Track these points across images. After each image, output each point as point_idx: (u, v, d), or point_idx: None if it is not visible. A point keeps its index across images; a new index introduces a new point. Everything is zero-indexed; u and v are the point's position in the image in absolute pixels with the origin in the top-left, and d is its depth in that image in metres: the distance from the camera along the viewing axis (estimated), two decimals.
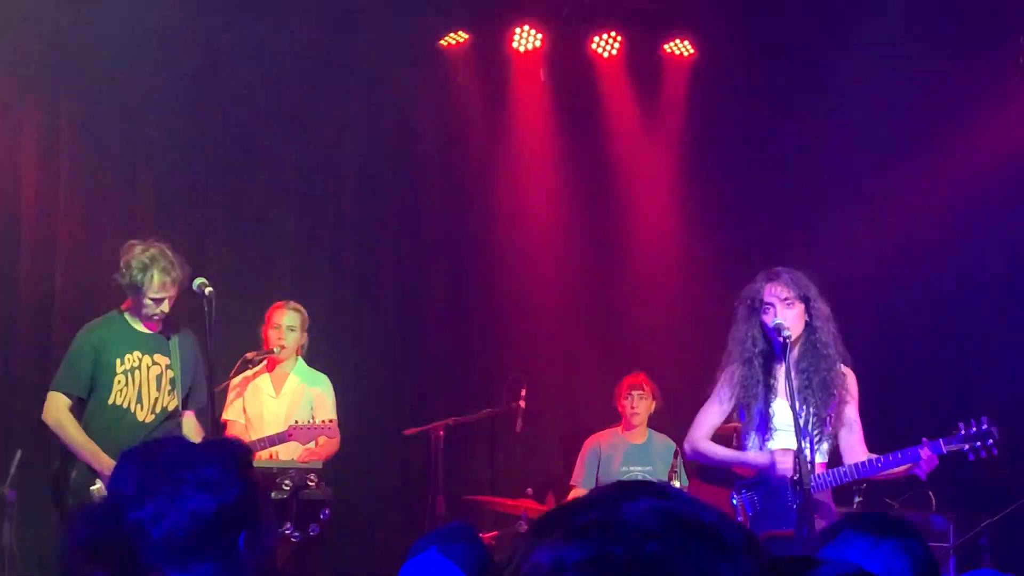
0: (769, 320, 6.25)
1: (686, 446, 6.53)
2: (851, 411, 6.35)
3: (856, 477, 6.20)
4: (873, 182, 9.76)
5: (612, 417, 9.07)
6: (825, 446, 6.28)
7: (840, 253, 9.43)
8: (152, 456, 2.64)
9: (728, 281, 6.71)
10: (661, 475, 8.48)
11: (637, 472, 8.78)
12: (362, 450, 8.90)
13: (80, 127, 9.09)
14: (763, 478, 6.29)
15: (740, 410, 6.38)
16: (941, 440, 6.06)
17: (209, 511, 2.57)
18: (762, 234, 9.61)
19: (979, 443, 6.03)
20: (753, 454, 6.31)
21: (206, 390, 7.24)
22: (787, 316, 6.21)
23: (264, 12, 9.38)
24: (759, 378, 6.28)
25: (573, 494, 8.90)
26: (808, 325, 6.25)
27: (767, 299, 6.27)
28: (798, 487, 5.88)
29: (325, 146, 9.86)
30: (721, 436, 6.65)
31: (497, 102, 10.12)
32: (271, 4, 9.41)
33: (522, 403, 8.83)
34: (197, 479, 2.57)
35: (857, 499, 7.75)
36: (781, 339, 6.12)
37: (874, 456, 6.18)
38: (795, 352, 6.21)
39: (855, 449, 6.30)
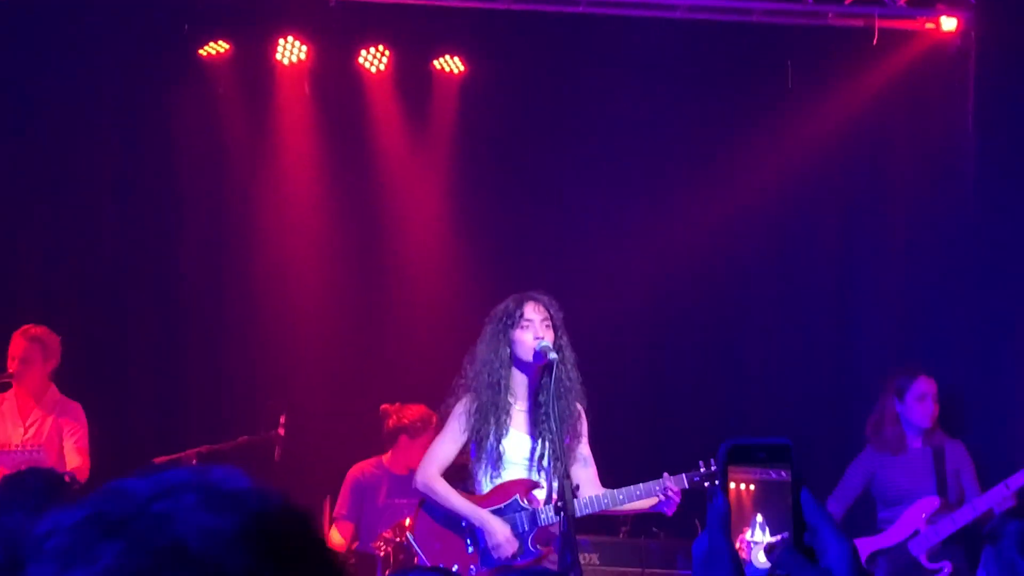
0: (526, 338, 6.12)
1: (418, 479, 6.36)
2: (585, 448, 6.31)
3: (596, 510, 6.16)
4: (643, 208, 9.71)
5: (376, 447, 8.80)
6: (555, 484, 6.15)
7: (609, 276, 9.40)
8: None
9: (494, 303, 6.50)
10: None
11: (403, 504, 8.56)
12: (112, 480, 8.47)
13: None
14: (498, 511, 6.21)
15: (472, 443, 6.25)
16: (684, 475, 6.10)
17: None
18: (531, 257, 9.50)
19: (718, 481, 5.94)
20: (482, 517, 6.18)
21: None
22: (548, 337, 6.13)
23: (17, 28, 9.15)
24: (497, 408, 6.15)
25: (338, 525, 8.70)
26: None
27: (528, 315, 6.16)
28: (561, 512, 5.81)
29: (78, 161, 9.56)
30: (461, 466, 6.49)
31: (261, 116, 9.86)
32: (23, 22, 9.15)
33: (281, 431, 8.56)
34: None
35: (624, 528, 7.71)
36: (546, 360, 6.03)
37: (615, 490, 6.17)
38: (541, 382, 6.13)
39: (592, 483, 6.26)
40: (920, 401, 7.77)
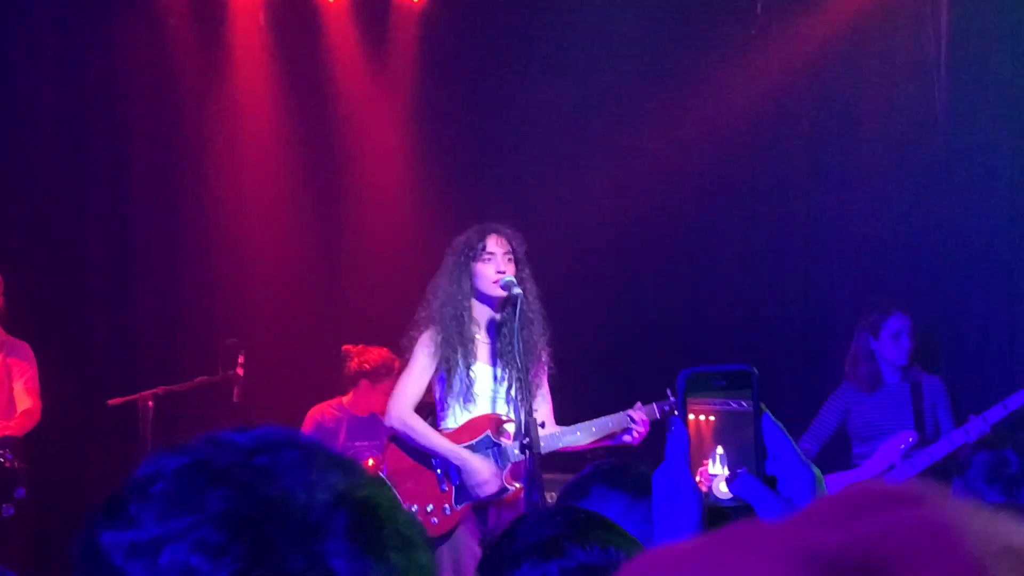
0: (488, 271, 6.09)
1: (393, 416, 6.21)
2: (544, 382, 6.28)
3: (567, 445, 6.19)
4: (608, 137, 9.50)
5: (336, 387, 8.70)
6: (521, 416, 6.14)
7: (573, 207, 9.20)
8: None
9: (456, 236, 6.38)
10: None
11: (363, 447, 8.40)
12: (64, 422, 8.43)
13: None
14: (470, 447, 6.16)
15: (440, 375, 6.18)
16: (655, 404, 6.14)
17: None
18: (493, 188, 9.30)
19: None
20: (463, 455, 6.09)
21: None
22: (510, 270, 6.09)
23: None
24: (463, 337, 6.11)
25: None
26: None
27: (490, 248, 6.11)
28: (527, 451, 5.80)
29: (21, 95, 9.30)
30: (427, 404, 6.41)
31: (214, 48, 9.63)
32: None
33: (240, 371, 8.40)
34: None
35: (589, 458, 7.64)
36: (511, 294, 5.99)
37: (587, 422, 6.19)
38: (503, 314, 6.11)
39: (548, 420, 6.24)
40: (895, 339, 7.72)
